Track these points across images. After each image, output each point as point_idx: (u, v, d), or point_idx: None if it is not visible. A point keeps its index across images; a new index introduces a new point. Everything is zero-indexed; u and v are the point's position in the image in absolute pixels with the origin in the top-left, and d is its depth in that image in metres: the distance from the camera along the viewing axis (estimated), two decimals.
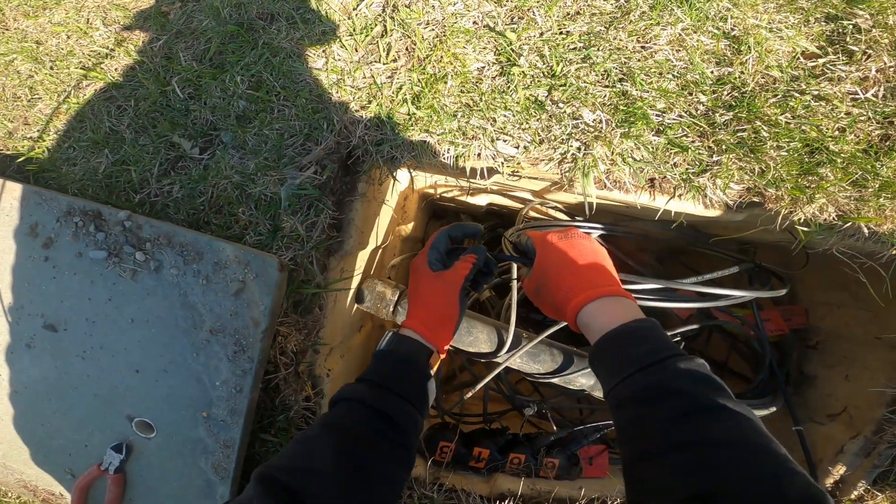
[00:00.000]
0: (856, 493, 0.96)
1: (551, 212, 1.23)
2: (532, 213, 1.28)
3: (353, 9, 0.87)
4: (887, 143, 0.81)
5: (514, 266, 1.00)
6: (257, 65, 0.85)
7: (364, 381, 0.64)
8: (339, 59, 0.86)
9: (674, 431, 0.48)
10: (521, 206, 1.29)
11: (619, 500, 0.96)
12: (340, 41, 0.86)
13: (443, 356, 0.74)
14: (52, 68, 0.90)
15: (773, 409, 1.05)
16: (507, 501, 0.94)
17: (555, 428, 1.17)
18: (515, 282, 1.01)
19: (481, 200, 1.41)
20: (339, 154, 0.88)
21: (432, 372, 0.70)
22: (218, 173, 0.84)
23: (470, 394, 1.10)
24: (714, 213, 0.90)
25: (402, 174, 1.19)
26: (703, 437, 0.47)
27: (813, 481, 0.43)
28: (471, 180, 1.02)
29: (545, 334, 0.96)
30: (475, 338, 0.99)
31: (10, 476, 0.90)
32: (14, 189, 0.77)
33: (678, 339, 1.18)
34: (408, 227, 1.48)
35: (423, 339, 0.69)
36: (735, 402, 0.50)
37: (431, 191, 1.45)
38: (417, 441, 0.64)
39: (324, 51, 0.86)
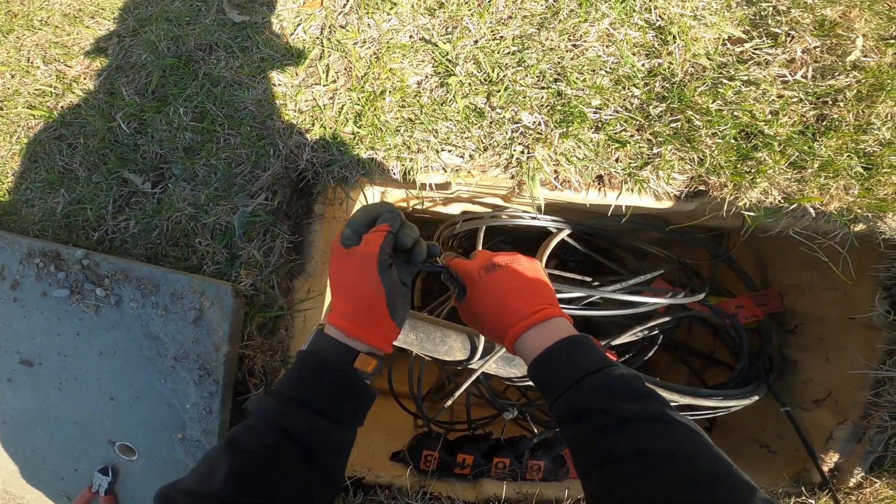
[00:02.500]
0: (853, 480, 1.00)
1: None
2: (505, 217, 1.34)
3: (291, 34, 0.93)
4: (823, 123, 0.86)
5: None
6: (199, 95, 0.92)
7: (274, 393, 0.59)
8: (280, 84, 0.92)
9: (593, 448, 0.54)
10: (489, 210, 1.36)
11: None
12: (280, 66, 0.93)
13: (386, 351, 0.65)
14: (0, 109, 0.98)
15: (756, 397, 1.09)
16: None
17: (535, 430, 1.23)
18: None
19: (455, 209, 1.47)
20: (289, 178, 0.95)
21: (369, 371, 0.62)
22: (171, 206, 0.91)
23: (450, 402, 1.17)
24: (665, 204, 0.96)
25: (370, 191, 1.26)
26: (615, 450, 0.51)
27: (742, 482, 0.46)
28: (434, 191, 1.09)
29: None
30: (450, 346, 1.05)
31: (12, 501, 1.00)
32: None
33: (656, 331, 1.22)
34: None
35: (343, 336, 0.61)
36: (655, 407, 0.54)
37: (404, 204, 1.52)
38: (337, 457, 0.59)
39: (264, 77, 0.93)
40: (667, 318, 1.17)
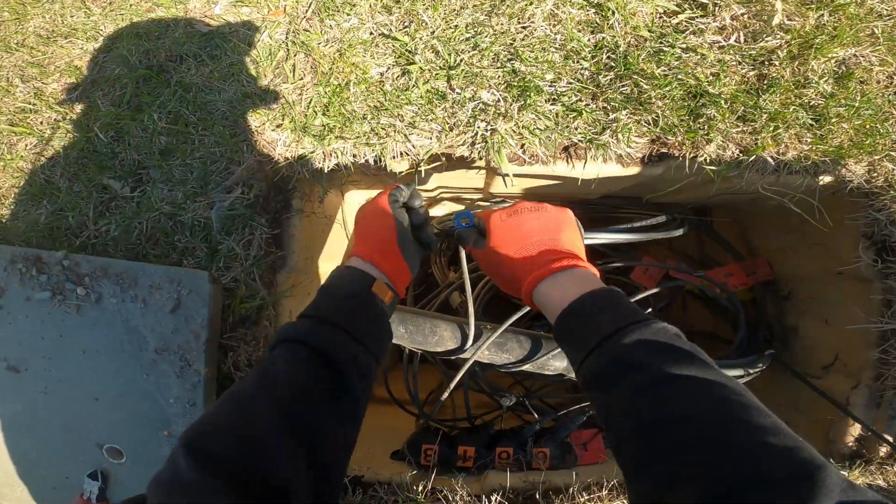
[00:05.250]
0: (884, 450, 0.98)
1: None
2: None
3: (257, 40, 1.04)
4: (765, 82, 0.95)
5: (464, 256, 1.11)
6: (172, 102, 1.01)
7: (302, 316, 0.63)
8: (249, 86, 1.02)
9: (632, 412, 0.49)
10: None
11: (615, 481, 1.03)
12: (248, 69, 1.03)
13: (398, 289, 0.72)
14: None
15: (761, 365, 1.12)
16: (496, 495, 1.01)
17: (536, 416, 1.26)
18: (467, 271, 1.13)
19: (441, 211, 1.56)
20: (264, 172, 1.03)
21: (385, 300, 0.68)
22: (149, 208, 0.99)
23: (446, 394, 1.21)
24: (632, 170, 1.03)
25: (353, 195, 1.34)
26: (658, 415, 0.47)
27: (802, 447, 0.40)
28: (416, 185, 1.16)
29: (507, 323, 1.07)
30: (440, 337, 1.10)
31: None
32: None
33: (649, 309, 1.27)
34: None
35: (361, 262, 0.70)
36: (701, 367, 0.49)
37: None
38: (363, 381, 0.61)
39: (234, 80, 1.02)
40: (653, 290, 1.22)
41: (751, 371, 1.10)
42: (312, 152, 1.01)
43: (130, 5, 1.10)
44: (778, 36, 0.95)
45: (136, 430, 0.93)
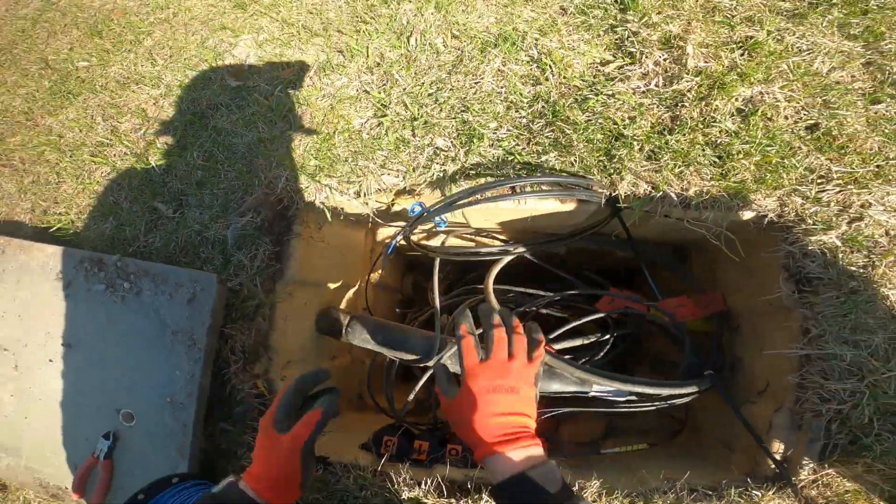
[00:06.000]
0: (805, 472, 1.04)
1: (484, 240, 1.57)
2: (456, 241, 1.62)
3: (272, 94, 1.34)
4: (677, 122, 1.10)
5: (437, 291, 1.32)
6: (208, 143, 1.33)
7: None
8: (264, 132, 1.31)
9: None
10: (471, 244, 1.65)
11: None
12: (264, 118, 1.32)
13: None
14: (71, 157, 1.44)
15: (694, 388, 1.21)
16: (431, 479, 1.16)
17: None
18: (438, 297, 1.34)
19: (437, 241, 1.76)
20: (269, 203, 1.31)
21: None
22: (185, 226, 1.29)
23: (411, 395, 1.40)
24: (569, 206, 1.20)
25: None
26: None
27: None
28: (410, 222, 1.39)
29: None
30: (410, 346, 1.31)
31: (31, 476, 1.28)
32: (46, 249, 1.27)
33: (608, 336, 1.40)
34: (376, 275, 1.86)
35: (256, 496, 0.77)
36: None
37: (400, 237, 1.84)
38: None
39: (253, 127, 1.32)
40: (601, 314, 1.36)
41: (685, 392, 1.20)
42: (307, 187, 1.27)
43: (185, 59, 1.46)
44: (688, 78, 1.10)
45: (150, 399, 1.19)
